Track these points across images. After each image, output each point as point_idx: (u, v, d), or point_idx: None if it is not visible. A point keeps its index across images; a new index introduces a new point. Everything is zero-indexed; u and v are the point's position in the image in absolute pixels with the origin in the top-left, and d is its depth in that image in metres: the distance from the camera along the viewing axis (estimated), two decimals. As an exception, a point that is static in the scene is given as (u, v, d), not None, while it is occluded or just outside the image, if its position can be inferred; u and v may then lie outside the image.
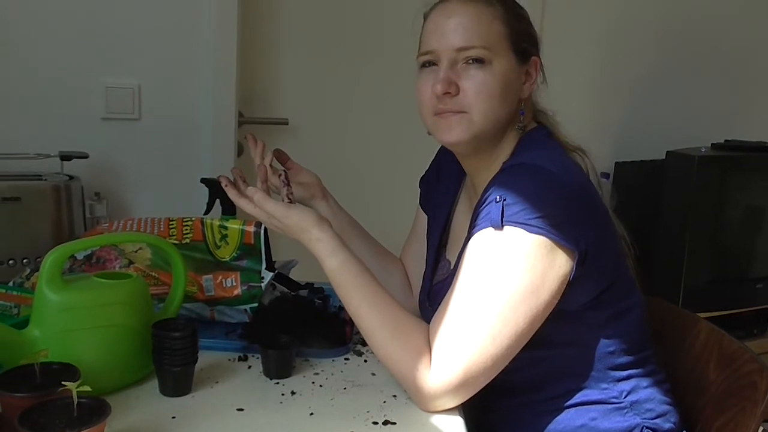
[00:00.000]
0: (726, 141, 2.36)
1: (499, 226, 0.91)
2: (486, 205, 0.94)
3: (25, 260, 1.46)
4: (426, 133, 1.09)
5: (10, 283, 1.21)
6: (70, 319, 0.90)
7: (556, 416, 1.03)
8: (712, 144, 2.32)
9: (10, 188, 1.49)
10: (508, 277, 0.90)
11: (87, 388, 0.73)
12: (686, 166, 2.18)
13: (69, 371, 0.82)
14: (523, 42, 1.04)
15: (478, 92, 1.00)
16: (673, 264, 2.21)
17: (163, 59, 1.86)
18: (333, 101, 2.15)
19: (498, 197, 0.92)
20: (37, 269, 1.24)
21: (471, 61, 1.01)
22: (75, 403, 0.73)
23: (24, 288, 1.19)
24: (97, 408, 0.74)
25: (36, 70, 1.76)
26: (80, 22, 1.76)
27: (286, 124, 2.09)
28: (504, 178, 0.96)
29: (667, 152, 2.24)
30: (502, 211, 0.91)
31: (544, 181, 0.94)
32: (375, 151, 2.19)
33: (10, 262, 1.46)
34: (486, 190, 0.97)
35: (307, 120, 2.13)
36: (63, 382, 0.74)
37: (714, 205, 2.22)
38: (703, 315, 1.25)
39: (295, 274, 1.35)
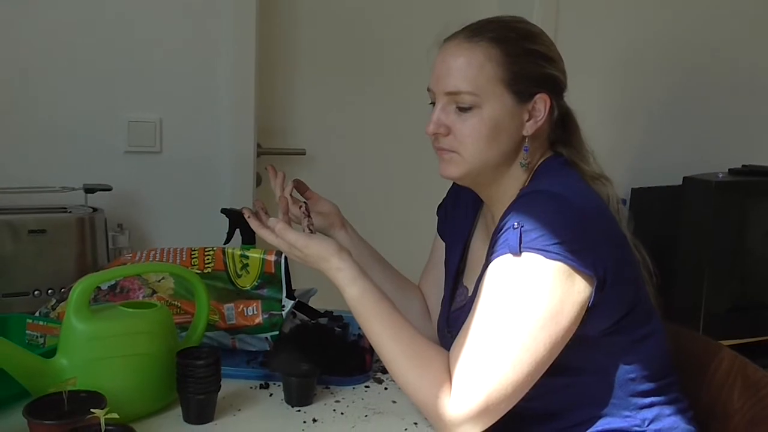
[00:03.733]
0: (743, 166, 2.35)
1: (517, 253, 0.92)
2: (504, 232, 0.95)
3: (50, 291, 1.48)
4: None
5: (36, 314, 1.23)
6: (97, 348, 0.92)
7: (577, 444, 1.03)
8: (729, 169, 2.32)
9: (36, 221, 1.52)
10: (527, 303, 0.91)
11: (115, 416, 0.75)
12: (704, 192, 2.18)
13: (96, 399, 0.83)
14: (522, 82, 1.03)
15: (466, 136, 1.03)
16: (692, 291, 2.19)
17: (183, 94, 1.90)
18: (349, 132, 2.18)
19: (516, 224, 0.93)
20: (62, 300, 1.26)
21: (459, 107, 1.03)
22: (103, 430, 0.74)
23: (49, 318, 1.21)
24: (124, 435, 0.75)
25: (61, 106, 1.81)
26: (104, 59, 1.81)
27: (304, 154, 2.12)
28: (521, 205, 0.97)
29: (684, 178, 2.24)
30: (520, 237, 0.92)
31: (562, 208, 0.95)
32: (391, 180, 2.21)
33: (36, 292, 1.48)
34: (503, 217, 0.98)
35: (324, 150, 2.15)
36: (92, 410, 0.75)
37: (733, 230, 2.21)
38: (723, 343, 1.24)
39: (313, 303, 1.36)
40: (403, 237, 1.92)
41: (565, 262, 0.91)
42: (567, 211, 0.94)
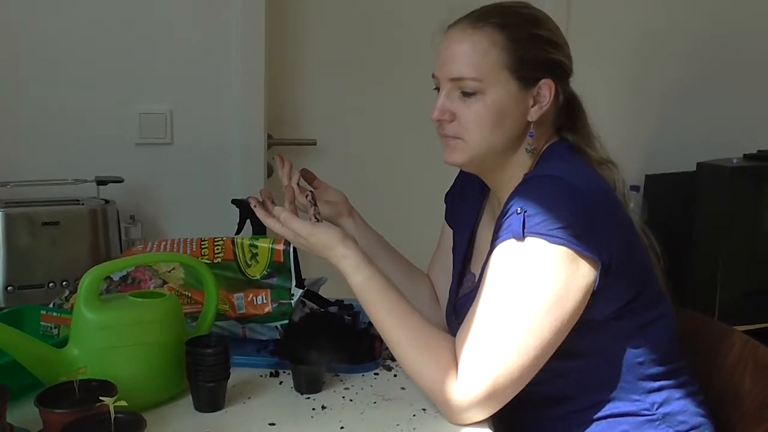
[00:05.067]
0: (759, 151, 2.32)
1: (521, 238, 0.92)
2: (507, 217, 0.95)
3: (64, 282, 1.50)
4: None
5: (50, 305, 1.25)
6: (108, 338, 0.93)
7: (585, 429, 1.03)
8: (744, 155, 2.29)
9: (50, 213, 1.54)
10: (531, 288, 0.91)
11: (123, 404, 0.76)
12: (718, 178, 2.16)
13: (106, 388, 0.84)
14: (526, 67, 1.03)
15: (470, 122, 1.04)
16: (707, 277, 2.17)
17: (193, 85, 1.91)
18: (360, 122, 2.18)
19: (519, 209, 0.93)
20: (75, 291, 1.28)
21: (463, 93, 1.03)
22: (112, 418, 0.75)
23: (63, 309, 1.22)
24: (133, 422, 0.76)
25: (73, 99, 1.82)
26: (114, 52, 1.83)
27: (315, 144, 2.12)
28: (524, 190, 0.97)
29: (698, 164, 2.21)
30: (523, 222, 0.92)
31: (565, 192, 0.95)
32: (401, 170, 2.21)
33: (50, 284, 1.50)
34: (507, 202, 0.98)
35: (335, 141, 2.16)
36: (101, 398, 0.76)
37: (748, 216, 2.19)
38: (739, 328, 1.24)
39: (324, 292, 1.37)
40: (413, 226, 1.92)
41: (568, 246, 0.91)
42: (570, 195, 0.94)
